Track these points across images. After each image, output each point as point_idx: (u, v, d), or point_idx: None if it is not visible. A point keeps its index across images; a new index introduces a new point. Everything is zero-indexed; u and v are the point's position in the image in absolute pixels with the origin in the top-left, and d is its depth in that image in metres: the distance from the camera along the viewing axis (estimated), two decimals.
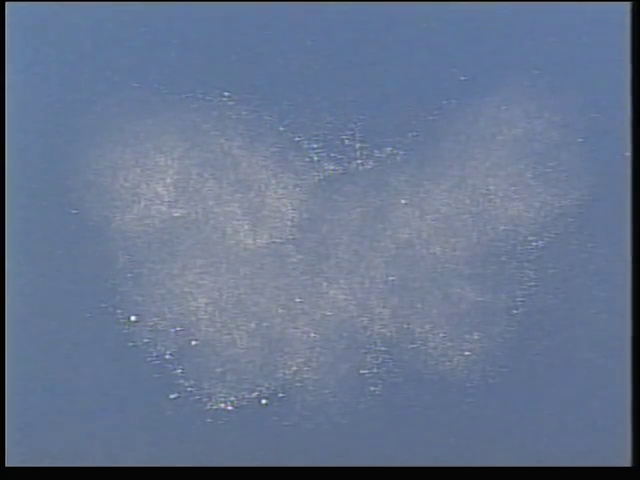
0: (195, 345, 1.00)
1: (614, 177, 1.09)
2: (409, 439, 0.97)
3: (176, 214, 0.92)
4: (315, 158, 0.96)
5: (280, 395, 0.95)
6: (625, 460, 0.97)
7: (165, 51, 1.02)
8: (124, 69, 1.00)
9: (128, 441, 0.96)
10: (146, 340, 1.01)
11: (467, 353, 0.96)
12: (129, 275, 0.94)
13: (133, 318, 1.02)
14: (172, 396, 0.88)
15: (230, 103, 0.96)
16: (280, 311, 0.93)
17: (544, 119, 1.04)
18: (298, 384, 0.92)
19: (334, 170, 0.94)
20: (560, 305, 1.09)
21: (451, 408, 1.01)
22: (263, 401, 0.99)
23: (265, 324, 0.88)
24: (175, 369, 1.01)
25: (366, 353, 1.05)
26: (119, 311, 1.01)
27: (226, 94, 0.97)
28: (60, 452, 0.96)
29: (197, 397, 0.97)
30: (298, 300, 0.92)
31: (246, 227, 0.90)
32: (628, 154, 1.05)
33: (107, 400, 0.98)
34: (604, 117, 1.02)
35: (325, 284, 0.93)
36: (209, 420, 0.94)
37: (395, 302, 0.97)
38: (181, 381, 0.99)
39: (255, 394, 0.98)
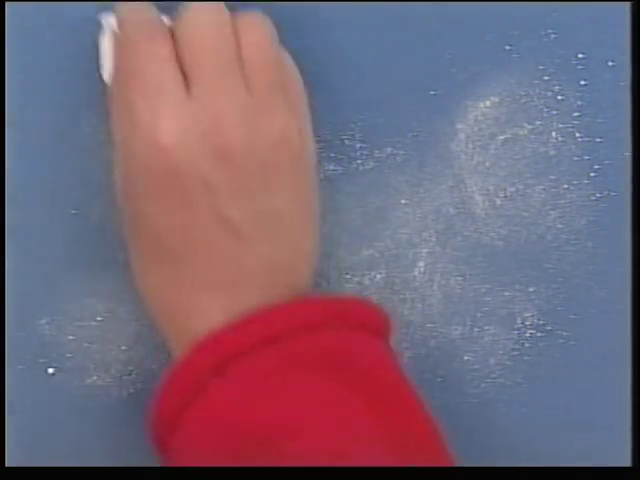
0: None
1: (614, 177, 1.05)
2: None
3: None
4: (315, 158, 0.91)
5: None
6: (625, 460, 0.92)
7: None
8: None
9: (128, 441, 0.93)
10: None
11: (466, 357, 0.92)
12: (129, 275, 0.91)
13: None
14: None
15: None
16: None
17: (544, 119, 1.00)
18: None
19: (334, 170, 0.88)
20: (560, 305, 1.05)
21: (451, 409, 0.97)
22: None
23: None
24: None
25: None
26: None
27: None
28: (60, 452, 0.91)
29: None
30: None
31: None
32: (628, 154, 1.01)
33: (107, 400, 0.94)
34: (604, 117, 0.97)
35: (325, 284, 0.88)
36: None
37: (395, 302, 0.92)
38: None
39: None
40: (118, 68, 0.45)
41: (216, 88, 0.43)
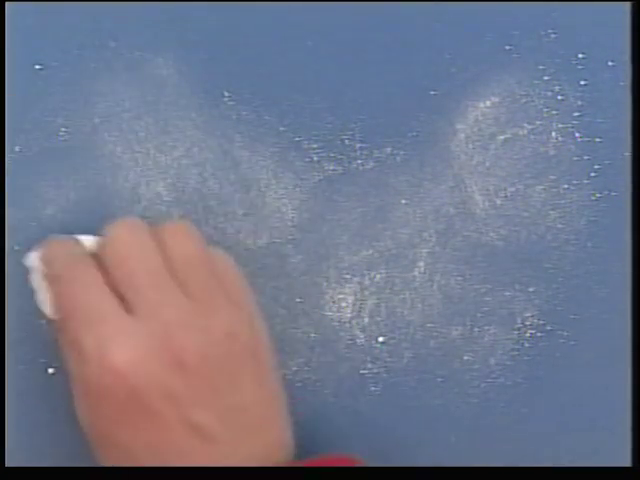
0: None
1: (614, 177, 1.03)
2: (409, 439, 0.92)
3: (176, 214, 0.87)
4: (315, 158, 0.89)
5: None
6: (625, 460, 0.90)
7: (165, 51, 0.97)
8: (123, 69, 0.96)
9: None
10: None
11: (466, 357, 0.91)
12: None
13: None
14: None
15: (230, 103, 0.90)
16: (280, 311, 0.88)
17: (544, 119, 0.98)
18: (298, 384, 0.86)
19: (334, 170, 0.87)
20: (560, 305, 1.04)
21: (451, 409, 0.96)
22: None
23: (265, 324, 0.82)
24: None
25: (366, 354, 1.01)
26: None
27: (226, 94, 0.90)
28: (60, 452, 0.90)
29: None
30: (298, 300, 0.86)
31: (246, 227, 0.85)
32: (628, 154, 0.99)
33: None
34: (604, 117, 0.95)
35: (325, 284, 0.86)
36: None
37: (395, 302, 0.91)
38: None
39: None
40: (57, 306, 0.45)
41: (154, 302, 0.43)
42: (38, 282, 0.47)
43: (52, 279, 0.45)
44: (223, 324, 0.44)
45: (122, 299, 0.43)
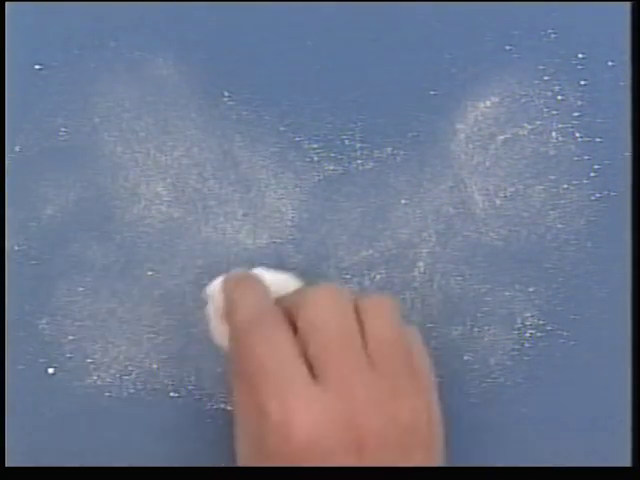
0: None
1: (614, 177, 1.00)
2: None
3: (176, 214, 0.85)
4: (315, 158, 0.87)
5: None
6: (625, 460, 0.89)
7: (165, 51, 0.95)
8: (123, 69, 0.93)
9: (128, 441, 0.90)
10: None
11: (466, 357, 0.88)
12: (129, 276, 0.88)
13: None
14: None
15: (230, 103, 0.87)
16: None
17: (544, 119, 0.95)
18: None
19: (334, 170, 0.84)
20: (560, 305, 1.01)
21: (451, 409, 0.93)
22: None
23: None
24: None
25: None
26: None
27: (226, 94, 0.88)
28: (60, 452, 0.88)
29: (197, 397, 0.91)
30: None
31: (246, 227, 0.83)
32: (628, 154, 0.96)
33: (107, 400, 0.91)
34: (604, 117, 0.92)
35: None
36: (209, 420, 0.87)
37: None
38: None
39: None
40: (238, 356, 0.44)
41: (344, 377, 0.42)
42: (216, 316, 0.47)
43: (236, 324, 0.44)
44: (406, 412, 0.43)
45: (309, 362, 0.42)
